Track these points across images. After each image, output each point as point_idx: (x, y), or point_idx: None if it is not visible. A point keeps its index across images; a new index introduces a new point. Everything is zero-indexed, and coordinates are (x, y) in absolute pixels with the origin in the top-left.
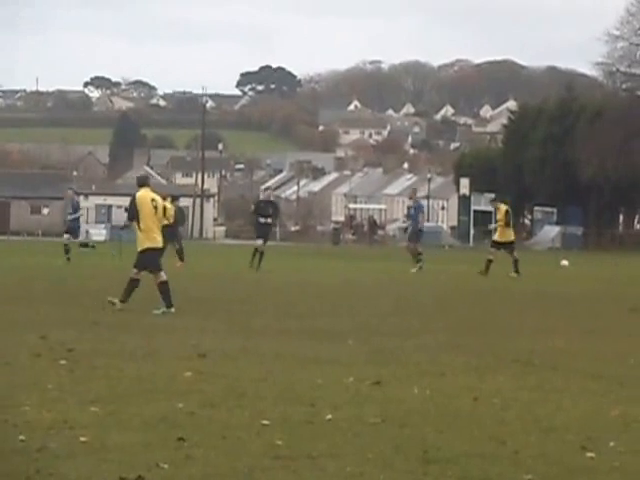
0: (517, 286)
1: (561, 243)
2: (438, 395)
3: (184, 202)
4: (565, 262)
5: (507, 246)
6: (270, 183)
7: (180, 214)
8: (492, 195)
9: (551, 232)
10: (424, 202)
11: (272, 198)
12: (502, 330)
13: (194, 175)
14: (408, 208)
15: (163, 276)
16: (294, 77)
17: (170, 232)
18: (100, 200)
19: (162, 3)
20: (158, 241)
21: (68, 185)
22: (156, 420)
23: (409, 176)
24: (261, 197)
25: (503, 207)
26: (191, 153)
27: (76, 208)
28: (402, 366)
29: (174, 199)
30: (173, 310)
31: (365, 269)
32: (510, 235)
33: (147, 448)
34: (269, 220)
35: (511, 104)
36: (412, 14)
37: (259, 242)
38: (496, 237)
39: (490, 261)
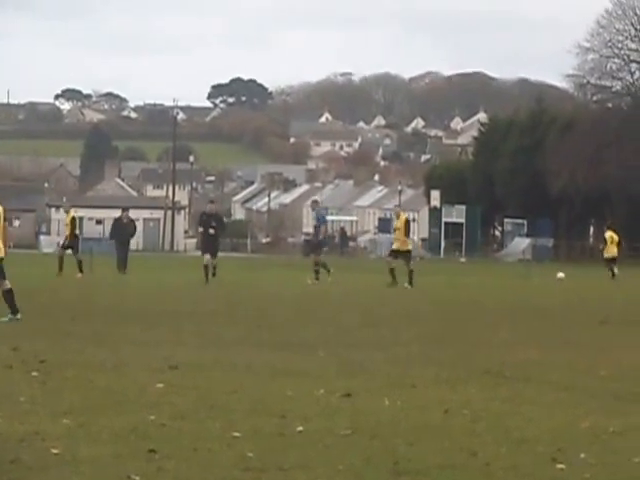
0: (488, 298)
1: (532, 255)
2: (409, 407)
3: (155, 214)
4: (561, 275)
5: (404, 255)
6: (241, 195)
7: (131, 226)
8: (462, 207)
9: (521, 244)
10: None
11: (215, 211)
12: (473, 342)
13: (165, 187)
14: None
15: (7, 284)
16: (265, 89)
17: (72, 242)
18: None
19: (134, 15)
20: (1, 250)
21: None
22: (127, 432)
23: (380, 188)
24: (206, 210)
25: (403, 216)
26: (162, 165)
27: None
28: (373, 378)
29: (124, 210)
30: (20, 316)
31: (336, 281)
32: (408, 244)
33: (118, 460)
34: (212, 232)
35: (482, 116)
36: (383, 26)
37: (207, 257)
38: (395, 246)
39: (392, 269)
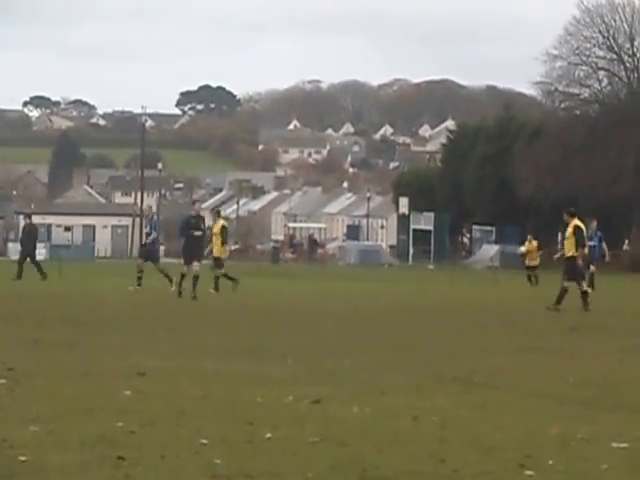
0: (457, 305)
1: (500, 262)
2: (378, 414)
3: (124, 221)
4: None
5: (215, 261)
6: (210, 202)
7: (33, 231)
8: (431, 214)
9: (490, 251)
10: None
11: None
12: (442, 349)
13: (133, 194)
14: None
15: None
16: (234, 96)
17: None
18: (39, 219)
19: (101, 22)
20: None
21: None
22: (95, 439)
23: (348, 195)
24: (193, 213)
25: (220, 222)
26: (130, 172)
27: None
28: (342, 385)
29: (26, 216)
30: None
31: (305, 288)
32: (223, 251)
33: (86, 467)
34: (200, 234)
35: (450, 123)
36: (351, 34)
37: (195, 265)
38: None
39: (224, 275)
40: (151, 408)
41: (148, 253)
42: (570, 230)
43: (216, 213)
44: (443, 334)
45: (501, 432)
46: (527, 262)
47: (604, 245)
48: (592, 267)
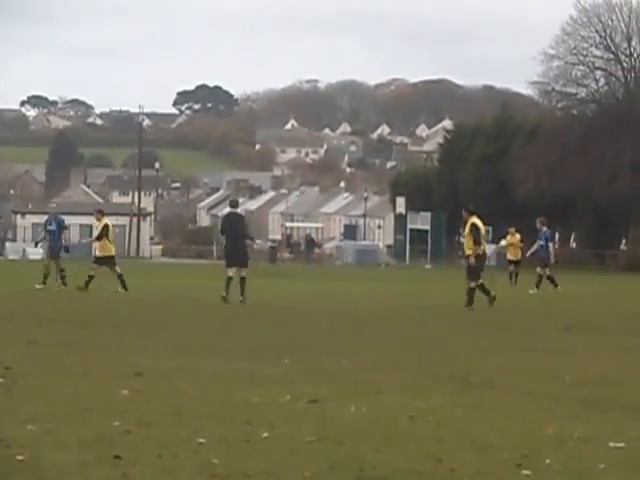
0: (454, 304)
1: (496, 261)
2: (374, 413)
3: (121, 221)
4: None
5: (107, 261)
6: (207, 202)
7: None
8: (428, 214)
9: (487, 250)
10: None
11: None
12: (439, 348)
13: (131, 194)
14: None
15: None
16: (231, 96)
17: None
18: (37, 219)
19: (98, 22)
20: None
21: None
22: (92, 438)
23: (345, 195)
24: (230, 210)
25: (104, 221)
26: (128, 172)
27: None
28: (338, 384)
29: None
30: None
31: (302, 287)
32: (110, 250)
33: (84, 467)
34: (239, 237)
35: (447, 123)
36: (348, 34)
37: (242, 271)
38: (97, 253)
39: (91, 277)
40: (148, 408)
41: (52, 251)
42: (467, 228)
43: (98, 212)
44: (440, 334)
45: (498, 432)
46: (508, 256)
47: (550, 245)
48: (539, 269)
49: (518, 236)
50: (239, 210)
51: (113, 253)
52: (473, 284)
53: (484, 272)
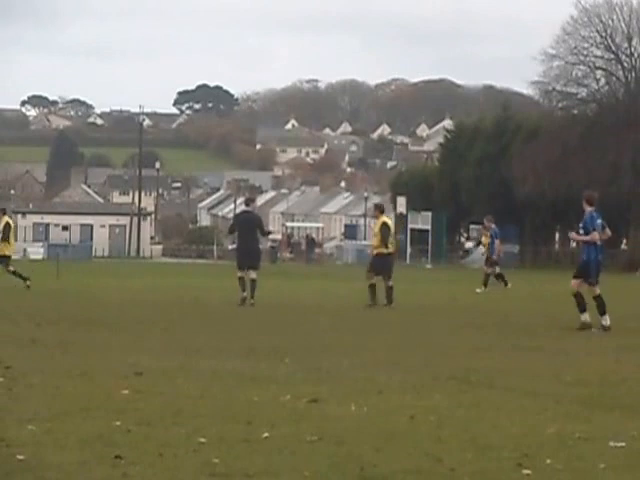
0: (453, 304)
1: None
2: (375, 413)
3: (121, 220)
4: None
5: (1, 260)
6: (207, 201)
7: None
8: (428, 214)
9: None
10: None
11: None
12: (439, 348)
13: (131, 193)
14: None
15: None
16: (231, 96)
17: None
18: (37, 219)
19: (98, 21)
20: None
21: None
22: (93, 438)
23: (346, 195)
24: (244, 208)
25: (5, 219)
26: (128, 171)
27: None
28: (339, 384)
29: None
30: None
31: (302, 287)
32: (6, 250)
33: (84, 466)
34: (252, 237)
35: (447, 123)
36: (348, 33)
37: (252, 273)
38: None
39: (13, 272)
40: (149, 407)
41: None
42: (377, 227)
43: (0, 211)
44: (440, 333)
45: (498, 431)
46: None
47: (497, 242)
48: (486, 268)
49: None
50: (251, 208)
51: (8, 253)
52: (374, 280)
53: (391, 270)
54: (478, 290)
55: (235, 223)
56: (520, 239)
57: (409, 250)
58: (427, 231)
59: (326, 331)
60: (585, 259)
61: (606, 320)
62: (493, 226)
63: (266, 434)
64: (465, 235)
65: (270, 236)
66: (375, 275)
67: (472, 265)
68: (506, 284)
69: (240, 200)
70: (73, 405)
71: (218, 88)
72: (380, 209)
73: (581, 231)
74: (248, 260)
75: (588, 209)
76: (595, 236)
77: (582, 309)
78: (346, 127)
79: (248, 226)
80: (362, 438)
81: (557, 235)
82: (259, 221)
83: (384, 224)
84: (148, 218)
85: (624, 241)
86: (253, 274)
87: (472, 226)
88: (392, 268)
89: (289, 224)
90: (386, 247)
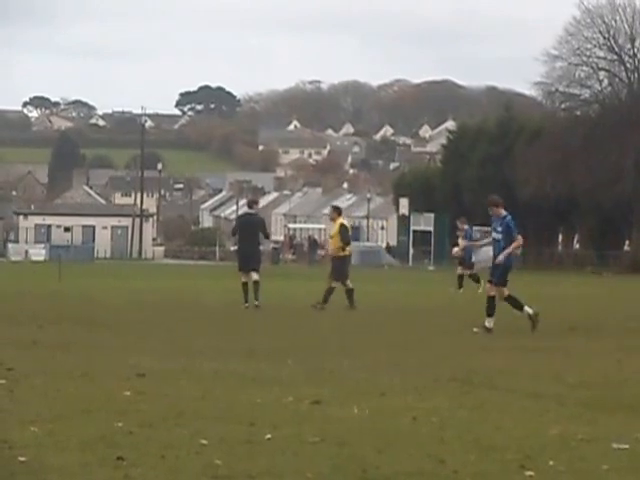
0: (455, 305)
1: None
2: (377, 414)
3: (124, 222)
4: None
5: None
6: (209, 203)
7: None
8: (431, 215)
9: (489, 252)
10: None
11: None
12: (441, 349)
13: (133, 195)
14: None
15: None
16: (233, 97)
17: None
18: (39, 220)
19: (100, 22)
20: None
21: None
22: (95, 439)
23: (349, 196)
24: (247, 210)
25: None
26: (130, 173)
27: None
28: (341, 385)
29: None
30: None
31: (304, 288)
32: None
33: (86, 468)
34: (255, 239)
35: (450, 124)
36: (351, 34)
37: (254, 275)
38: None
39: None
40: (151, 409)
41: None
42: (336, 228)
43: None
44: (442, 335)
45: (501, 432)
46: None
47: (464, 242)
48: (460, 269)
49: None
50: (255, 210)
51: None
52: (335, 284)
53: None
54: (451, 289)
55: (238, 225)
56: (523, 241)
57: (411, 252)
58: (430, 232)
59: (328, 332)
60: (507, 264)
61: (490, 322)
62: (466, 227)
63: (268, 435)
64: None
65: (272, 237)
66: (335, 280)
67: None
68: (460, 287)
69: (243, 202)
70: (75, 407)
71: (220, 89)
72: (338, 211)
73: (500, 235)
74: (251, 262)
75: (504, 212)
76: (520, 241)
77: (519, 306)
78: (349, 128)
79: (251, 228)
80: (364, 440)
81: (560, 237)
82: (262, 223)
83: (342, 226)
84: (150, 219)
85: (627, 242)
86: (256, 276)
87: (475, 227)
88: (348, 270)
89: (291, 225)
90: (343, 249)
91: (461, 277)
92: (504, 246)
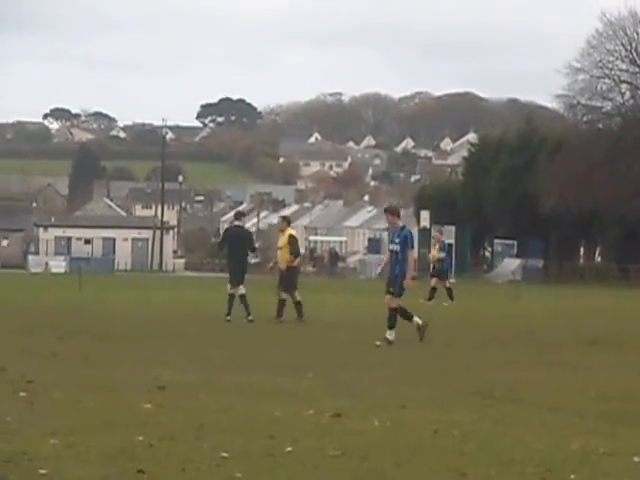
0: (477, 318)
1: (521, 276)
2: (398, 427)
3: (144, 234)
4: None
5: None
6: (230, 215)
7: None
8: (452, 228)
9: (511, 265)
10: None
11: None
12: (462, 362)
13: (154, 207)
14: None
15: None
16: (254, 109)
17: None
18: (59, 232)
19: (121, 35)
20: None
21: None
22: (115, 452)
23: (369, 208)
24: (234, 222)
25: None
26: (151, 185)
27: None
28: (362, 398)
29: None
30: None
31: (325, 301)
32: None
33: None
34: (244, 252)
35: (471, 136)
36: (372, 47)
37: (242, 289)
38: None
39: None
40: (171, 422)
41: None
42: (284, 240)
43: None
44: (464, 348)
45: (522, 446)
46: (432, 270)
47: (439, 255)
48: (444, 282)
49: (437, 246)
50: (242, 223)
51: None
52: (284, 295)
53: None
54: (445, 304)
55: (226, 237)
56: (544, 254)
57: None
58: (451, 245)
59: (349, 345)
60: (399, 273)
61: (391, 335)
62: (443, 239)
63: (289, 448)
64: (489, 249)
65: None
66: (284, 291)
67: (496, 280)
68: (452, 299)
69: (264, 214)
70: (95, 419)
71: (241, 101)
72: (287, 221)
73: (397, 246)
74: (240, 275)
75: (400, 223)
76: (414, 256)
77: (409, 317)
78: (370, 140)
79: (239, 241)
80: (385, 453)
81: (581, 250)
82: (250, 237)
83: (291, 237)
84: (171, 232)
85: None
86: (243, 289)
87: (496, 240)
88: (296, 281)
89: (312, 238)
90: (292, 261)
91: (434, 289)
92: (400, 258)
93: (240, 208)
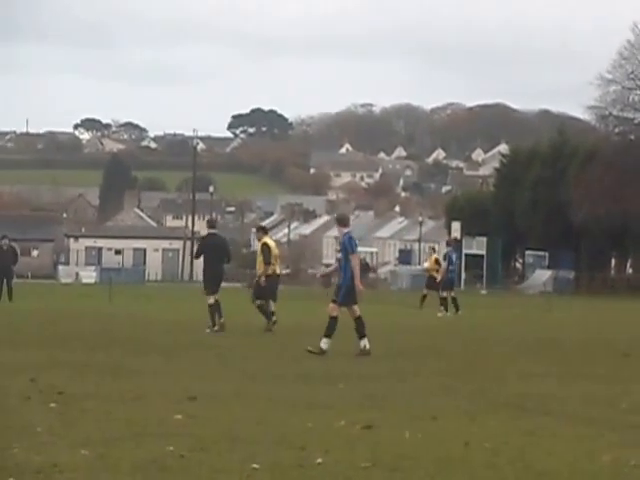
0: (509, 330)
1: (553, 287)
2: (429, 439)
3: (175, 245)
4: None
5: None
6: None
7: (10, 252)
8: (483, 239)
9: (543, 276)
10: None
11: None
12: (493, 374)
13: (184, 217)
14: None
15: None
16: (285, 120)
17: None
18: (90, 242)
19: (153, 45)
20: None
21: (58, 227)
22: (146, 463)
23: (400, 219)
24: (209, 230)
25: None
26: (182, 195)
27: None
28: (393, 410)
29: (3, 237)
30: None
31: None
32: None
33: None
34: (220, 261)
35: (503, 147)
36: (404, 57)
37: (211, 298)
38: None
39: None
40: (202, 432)
41: None
42: (259, 248)
43: None
44: (495, 359)
45: (553, 458)
46: (427, 281)
47: (444, 265)
48: (445, 292)
49: (433, 258)
50: (216, 231)
51: None
52: (259, 302)
53: (275, 293)
54: (440, 314)
55: (203, 246)
56: (576, 265)
57: (464, 275)
58: (482, 256)
59: (379, 357)
60: (348, 283)
61: (365, 343)
62: (449, 249)
63: (320, 460)
64: (520, 260)
65: (323, 261)
66: (258, 299)
67: (527, 291)
68: (447, 310)
69: (295, 224)
70: (126, 430)
71: (272, 112)
72: (263, 230)
73: (339, 254)
74: (215, 285)
75: (344, 230)
76: (356, 259)
77: (362, 334)
78: (401, 151)
79: (217, 250)
80: (416, 464)
81: (613, 261)
82: (226, 245)
83: (264, 245)
84: None
85: None
86: (212, 299)
87: (527, 251)
88: (276, 291)
89: None
90: (267, 270)
91: (444, 299)
92: (344, 266)
93: (262, 223)
